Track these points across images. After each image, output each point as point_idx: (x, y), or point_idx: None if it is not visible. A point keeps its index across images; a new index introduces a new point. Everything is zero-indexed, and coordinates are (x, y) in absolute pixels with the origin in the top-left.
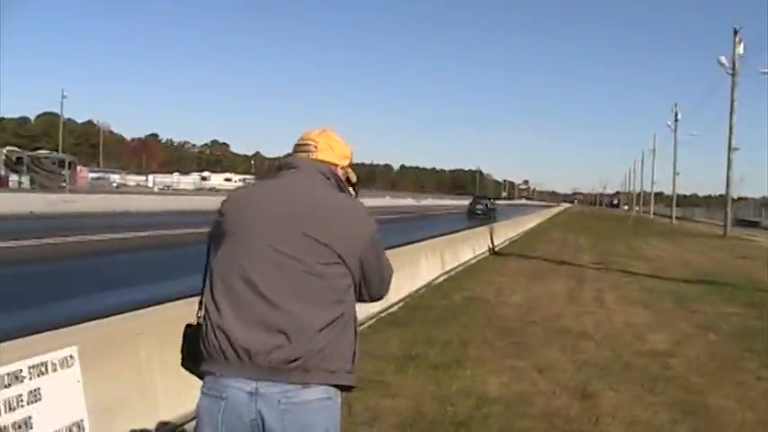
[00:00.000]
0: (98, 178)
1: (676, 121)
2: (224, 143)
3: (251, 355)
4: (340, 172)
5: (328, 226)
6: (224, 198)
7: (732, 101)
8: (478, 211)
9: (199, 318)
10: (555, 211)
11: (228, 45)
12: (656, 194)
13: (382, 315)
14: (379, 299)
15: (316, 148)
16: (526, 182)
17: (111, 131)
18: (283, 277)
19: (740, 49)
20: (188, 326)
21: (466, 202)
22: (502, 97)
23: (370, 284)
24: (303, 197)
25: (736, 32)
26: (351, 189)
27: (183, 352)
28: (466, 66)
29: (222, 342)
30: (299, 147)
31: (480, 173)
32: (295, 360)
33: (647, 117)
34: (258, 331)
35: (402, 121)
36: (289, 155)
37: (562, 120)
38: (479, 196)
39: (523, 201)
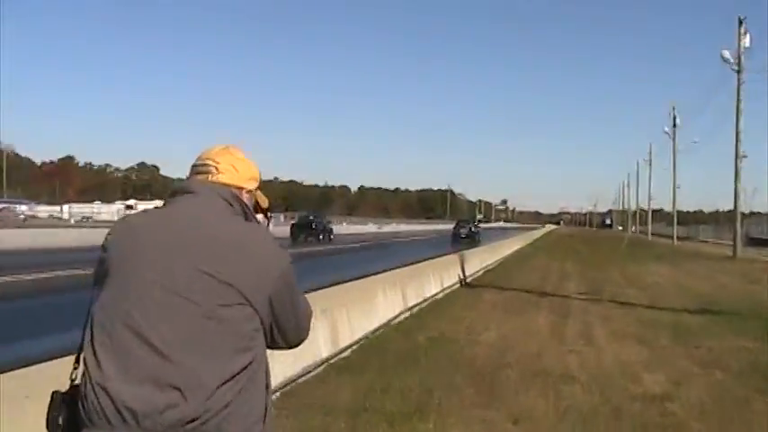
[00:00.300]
0: (1, 209)
1: (674, 126)
2: (153, 166)
3: (138, 417)
4: (246, 197)
5: (230, 261)
6: (108, 230)
7: (738, 101)
8: (462, 235)
9: (73, 379)
10: (538, 233)
11: (156, 57)
12: (654, 211)
13: (332, 361)
14: (297, 345)
15: (216, 169)
16: (504, 201)
17: (17, 154)
18: (176, 323)
19: (746, 42)
20: (55, 392)
21: (436, 226)
22: (475, 108)
23: (284, 328)
24: (200, 227)
25: (741, 23)
26: (262, 216)
27: (50, 425)
28: (432, 75)
29: (104, 403)
30: (197, 168)
31: (451, 192)
32: (192, 421)
33: (640, 126)
34: (147, 388)
35: (359, 136)
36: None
37: (544, 132)
38: (463, 220)
39: (501, 223)
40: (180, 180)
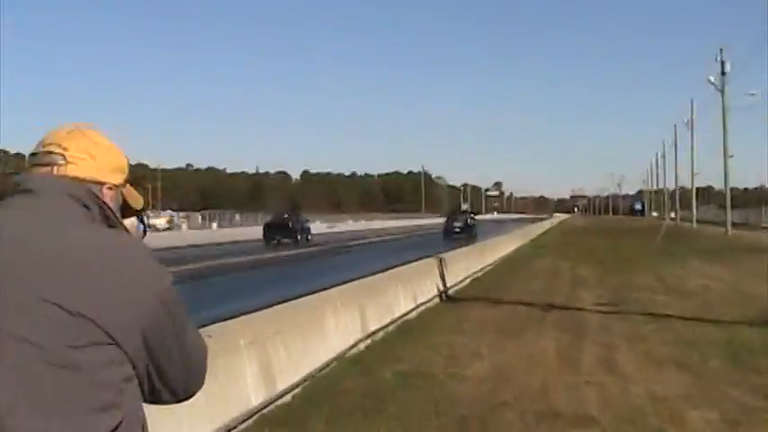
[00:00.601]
0: None
1: (723, 74)
2: (18, 154)
3: None
4: (108, 195)
5: (85, 284)
6: None
7: None
8: (456, 230)
9: None
10: (545, 226)
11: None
12: (700, 191)
13: (267, 410)
14: (188, 396)
15: (64, 157)
16: (498, 185)
17: None
18: (10, 374)
19: None
20: None
21: (406, 222)
22: (456, 70)
23: (167, 375)
24: (41, 240)
25: None
26: (132, 221)
27: None
28: (399, 32)
29: None
30: (37, 157)
31: (427, 176)
32: None
33: (676, 82)
34: None
35: (300, 106)
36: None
37: (547, 96)
38: (455, 212)
39: (495, 214)
40: (17, 174)
